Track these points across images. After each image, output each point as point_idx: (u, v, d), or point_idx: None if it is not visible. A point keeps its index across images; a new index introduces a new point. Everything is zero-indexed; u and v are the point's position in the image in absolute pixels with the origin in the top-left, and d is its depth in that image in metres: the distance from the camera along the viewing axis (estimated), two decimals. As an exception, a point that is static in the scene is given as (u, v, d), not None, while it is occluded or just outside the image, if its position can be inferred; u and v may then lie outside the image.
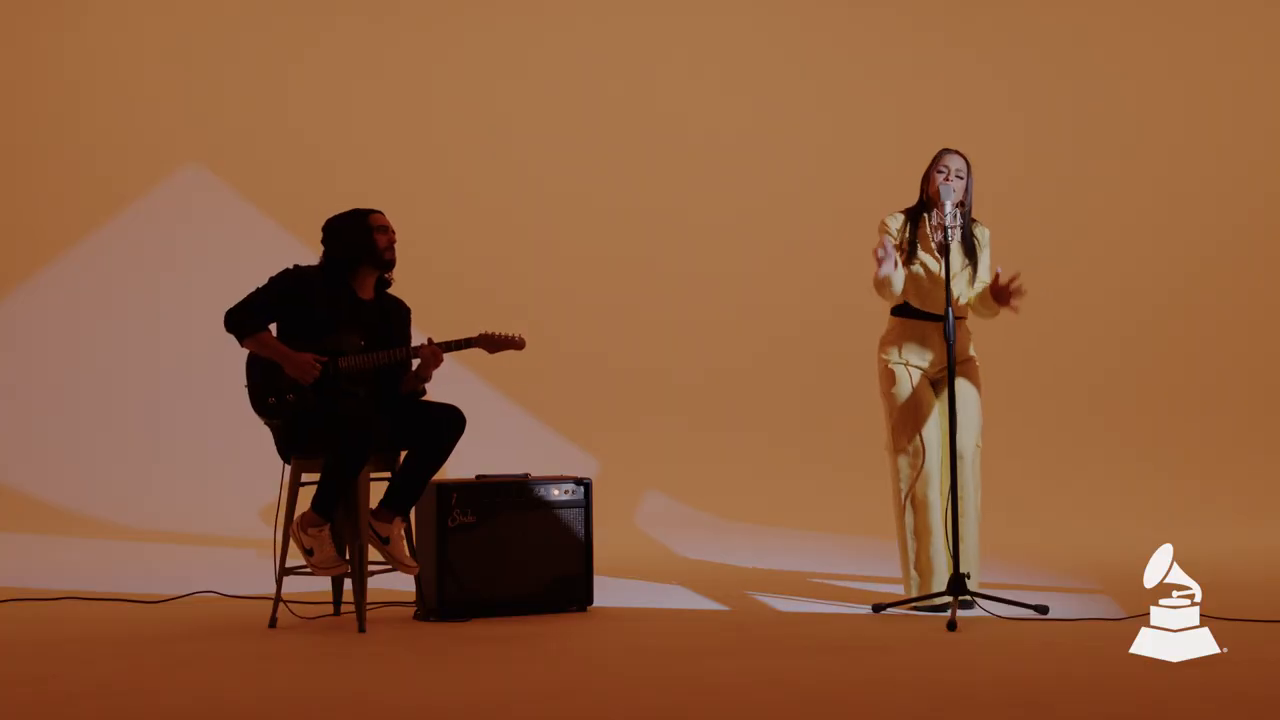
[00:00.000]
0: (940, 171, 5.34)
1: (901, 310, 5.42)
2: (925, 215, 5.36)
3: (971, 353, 5.48)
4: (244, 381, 5.11)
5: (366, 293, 5.18)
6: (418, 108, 8.86)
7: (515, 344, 5.30)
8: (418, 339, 5.31)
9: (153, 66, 8.64)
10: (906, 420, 5.37)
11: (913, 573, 5.36)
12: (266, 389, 5.03)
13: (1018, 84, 9.20)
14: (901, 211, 5.43)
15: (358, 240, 5.11)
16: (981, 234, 5.48)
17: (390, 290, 5.30)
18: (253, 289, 5.11)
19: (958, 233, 5.33)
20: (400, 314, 5.28)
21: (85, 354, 8.44)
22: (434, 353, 5.15)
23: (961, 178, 5.32)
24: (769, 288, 8.97)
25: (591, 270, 8.85)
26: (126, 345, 8.49)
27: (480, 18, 8.95)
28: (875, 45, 9.20)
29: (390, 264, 5.18)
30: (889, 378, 5.41)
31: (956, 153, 5.38)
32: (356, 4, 8.88)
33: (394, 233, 5.19)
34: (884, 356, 5.44)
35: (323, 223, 5.19)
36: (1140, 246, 9.07)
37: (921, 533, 5.33)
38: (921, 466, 5.32)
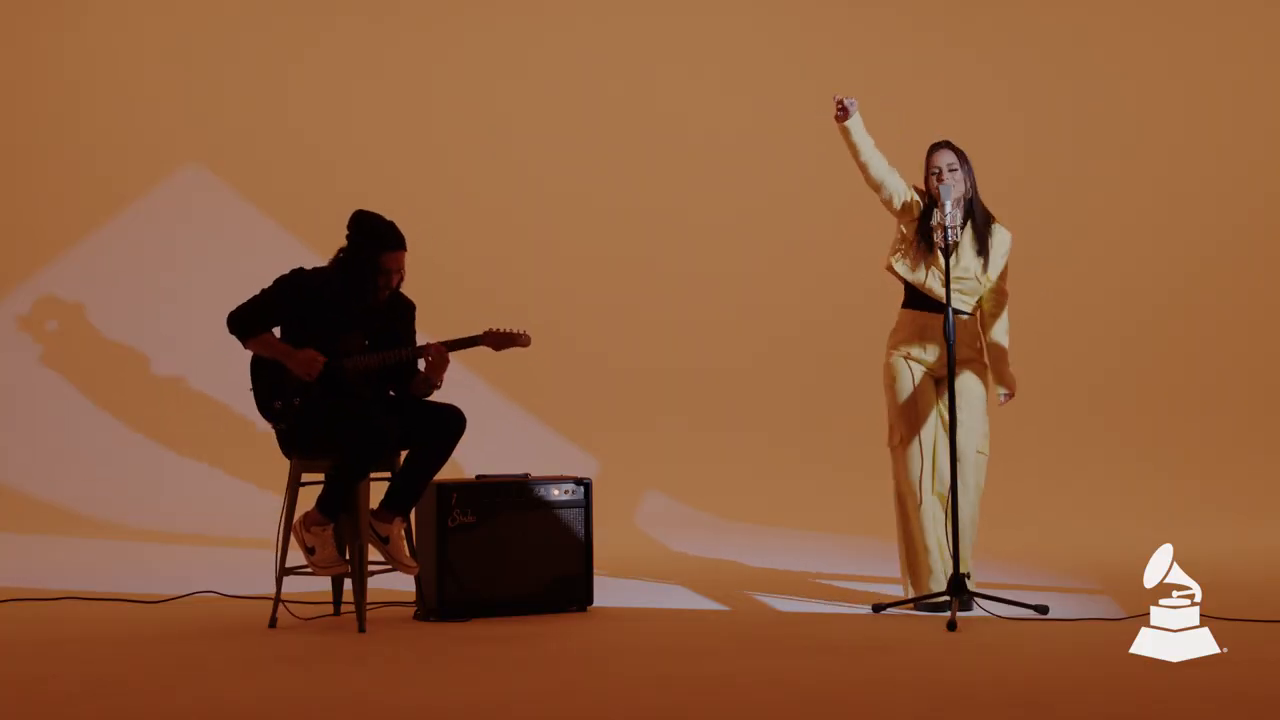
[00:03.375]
0: (933, 173, 5.34)
1: (910, 303, 5.43)
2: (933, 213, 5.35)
3: (977, 351, 5.47)
4: (248, 385, 5.10)
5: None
6: (418, 107, 8.85)
7: (521, 341, 5.27)
8: (420, 339, 5.29)
9: (153, 66, 8.64)
10: (905, 418, 5.38)
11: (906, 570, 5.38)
12: (272, 393, 5.03)
13: (1018, 84, 9.19)
14: (924, 198, 5.40)
15: (363, 267, 5.03)
16: (1002, 236, 5.40)
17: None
18: (256, 291, 5.10)
19: (959, 231, 5.31)
20: (404, 311, 5.25)
21: (85, 354, 8.43)
22: (441, 354, 5.12)
23: (954, 169, 5.30)
24: (769, 288, 8.96)
25: (592, 270, 8.84)
26: (127, 345, 8.48)
27: (480, 18, 8.95)
28: (875, 45, 9.19)
29: (378, 303, 5.11)
30: (891, 373, 5.42)
31: (944, 147, 5.35)
32: (357, 4, 8.87)
33: (402, 273, 5.10)
34: (890, 351, 5.44)
35: (355, 211, 5.09)
36: (1140, 246, 9.07)
37: (908, 531, 5.34)
38: (919, 466, 5.32)
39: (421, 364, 5.21)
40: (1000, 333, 5.44)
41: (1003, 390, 5.44)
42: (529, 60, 8.96)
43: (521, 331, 5.27)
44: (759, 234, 8.99)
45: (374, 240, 5.03)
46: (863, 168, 5.32)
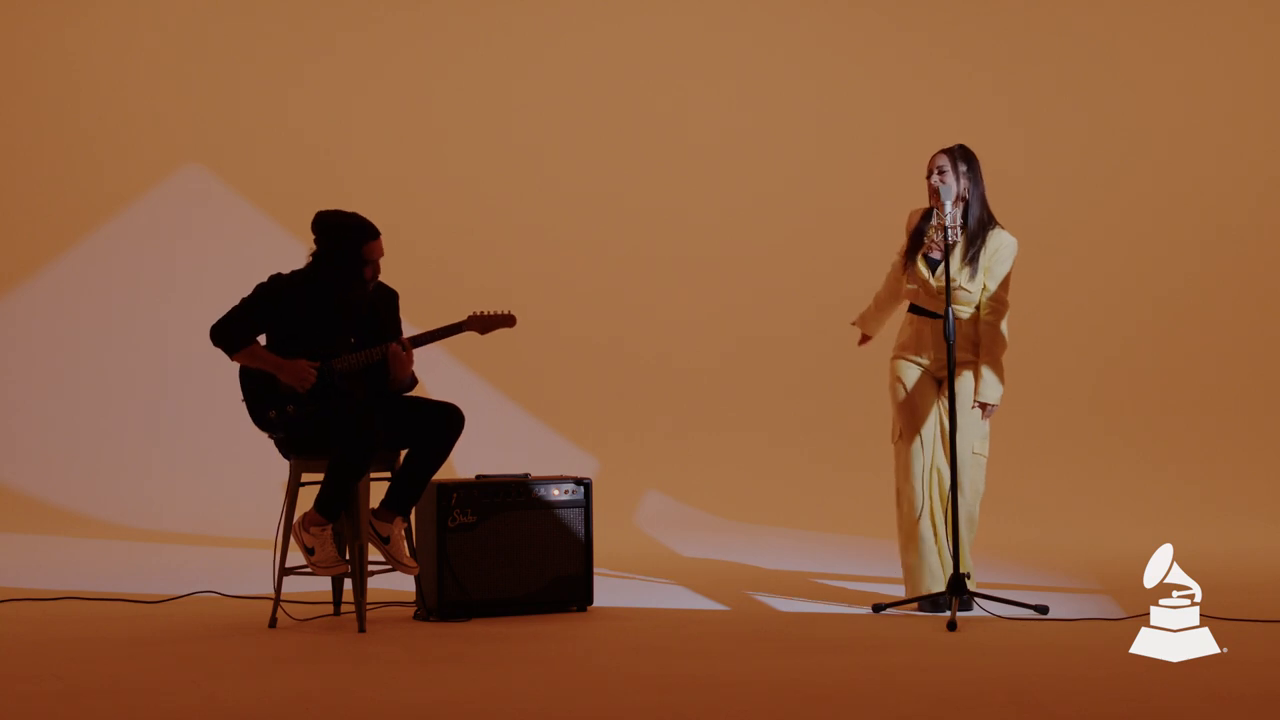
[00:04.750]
0: (930, 176, 5.35)
1: (909, 307, 5.45)
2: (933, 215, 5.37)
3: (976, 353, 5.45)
4: (240, 397, 5.09)
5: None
6: (418, 107, 8.85)
7: (506, 321, 5.25)
8: (410, 330, 5.27)
9: (154, 66, 8.64)
10: (903, 415, 5.39)
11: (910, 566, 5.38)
12: (265, 403, 5.01)
13: (1015, 86, 9.18)
14: (926, 210, 5.43)
15: (347, 263, 5.01)
16: (1000, 242, 5.33)
17: (380, 279, 5.20)
18: (236, 302, 5.07)
19: (958, 232, 5.32)
20: (388, 302, 5.22)
21: (85, 354, 8.43)
22: (398, 350, 5.05)
23: (944, 171, 5.30)
24: (769, 289, 8.96)
25: (593, 269, 8.84)
26: (127, 345, 8.48)
27: (482, 19, 8.95)
28: (875, 46, 9.20)
29: (366, 294, 5.10)
30: (891, 373, 5.45)
31: (940, 152, 5.36)
32: (357, 5, 8.87)
33: (381, 257, 5.09)
34: (893, 352, 5.47)
35: (317, 214, 5.07)
36: (1140, 246, 9.06)
37: (908, 528, 5.34)
38: (919, 464, 5.32)
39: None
40: (990, 341, 5.33)
41: (975, 400, 5.32)
42: (529, 60, 8.96)
43: (506, 312, 5.25)
44: (759, 236, 8.99)
45: (353, 234, 5.02)
46: (897, 304, 5.67)
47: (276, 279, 5.09)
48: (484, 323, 5.23)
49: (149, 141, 8.61)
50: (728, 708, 3.77)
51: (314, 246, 5.09)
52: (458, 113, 8.90)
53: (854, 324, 5.78)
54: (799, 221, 8.95)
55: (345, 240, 5.02)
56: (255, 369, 5.02)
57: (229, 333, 5.01)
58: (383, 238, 5.09)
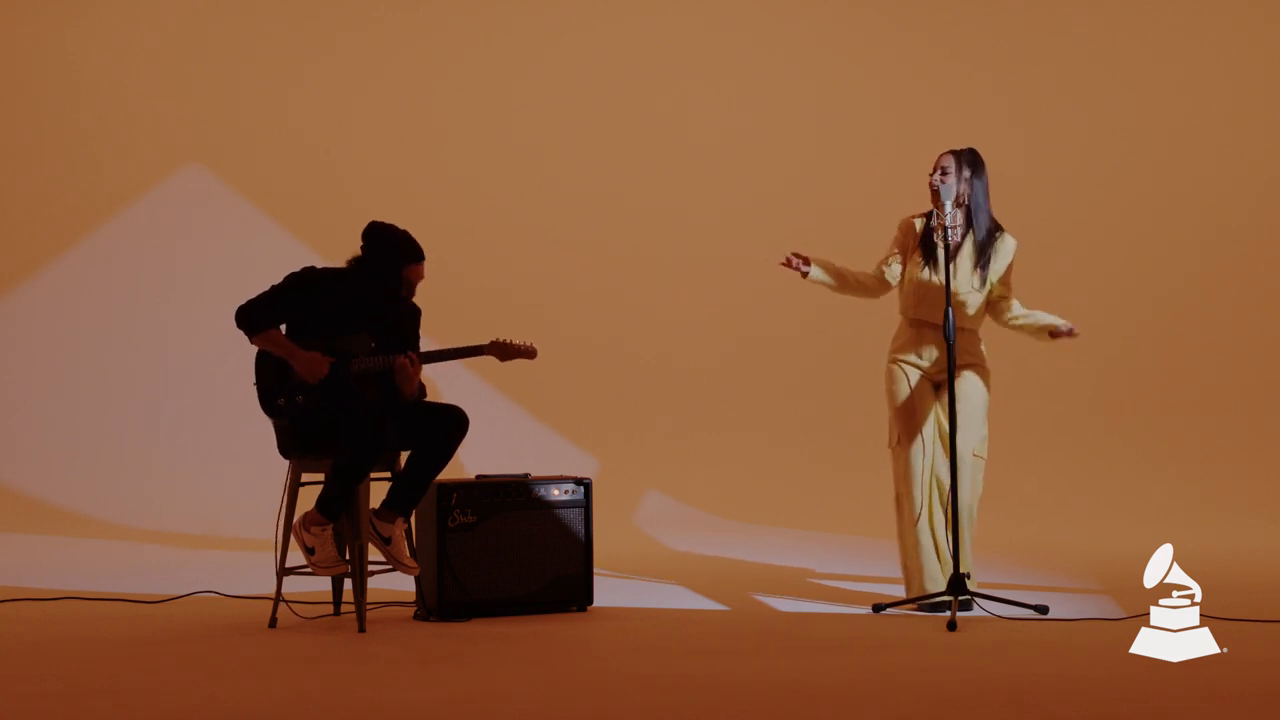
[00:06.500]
0: (932, 174, 5.35)
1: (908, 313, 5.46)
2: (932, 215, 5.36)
3: (979, 356, 5.45)
4: (252, 380, 5.10)
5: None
6: (419, 109, 8.85)
7: (527, 353, 5.30)
8: (425, 344, 5.30)
9: (154, 66, 8.64)
10: (901, 420, 5.39)
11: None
12: (276, 389, 5.03)
13: (1017, 87, 9.18)
14: (923, 215, 5.43)
15: (386, 280, 5.07)
16: (1006, 247, 5.39)
17: None
18: (267, 287, 5.09)
19: (958, 232, 5.32)
20: (410, 316, 5.27)
21: (85, 354, 8.43)
22: (407, 366, 5.07)
23: (947, 172, 5.31)
24: (769, 288, 8.95)
25: (593, 270, 8.84)
26: (127, 345, 8.48)
27: (482, 19, 8.95)
28: (875, 46, 9.20)
29: (397, 311, 5.16)
30: (888, 378, 5.44)
31: (947, 152, 5.37)
32: (359, 6, 8.87)
33: (420, 281, 5.15)
34: (889, 357, 5.46)
35: (370, 224, 5.12)
36: (1140, 246, 9.06)
37: (908, 531, 5.34)
38: (917, 467, 5.32)
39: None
40: (1020, 309, 5.38)
41: (1064, 324, 5.30)
42: (530, 61, 8.96)
43: (527, 344, 5.29)
44: (759, 236, 8.98)
45: (397, 254, 5.07)
46: (855, 293, 5.46)
47: (309, 271, 5.11)
48: (505, 350, 5.27)
49: (149, 141, 8.61)
50: (728, 708, 3.77)
51: (359, 252, 5.12)
52: (458, 113, 8.89)
53: (817, 267, 5.37)
54: (799, 221, 8.95)
55: (389, 256, 5.07)
56: (272, 355, 5.03)
57: (253, 316, 5.03)
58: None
